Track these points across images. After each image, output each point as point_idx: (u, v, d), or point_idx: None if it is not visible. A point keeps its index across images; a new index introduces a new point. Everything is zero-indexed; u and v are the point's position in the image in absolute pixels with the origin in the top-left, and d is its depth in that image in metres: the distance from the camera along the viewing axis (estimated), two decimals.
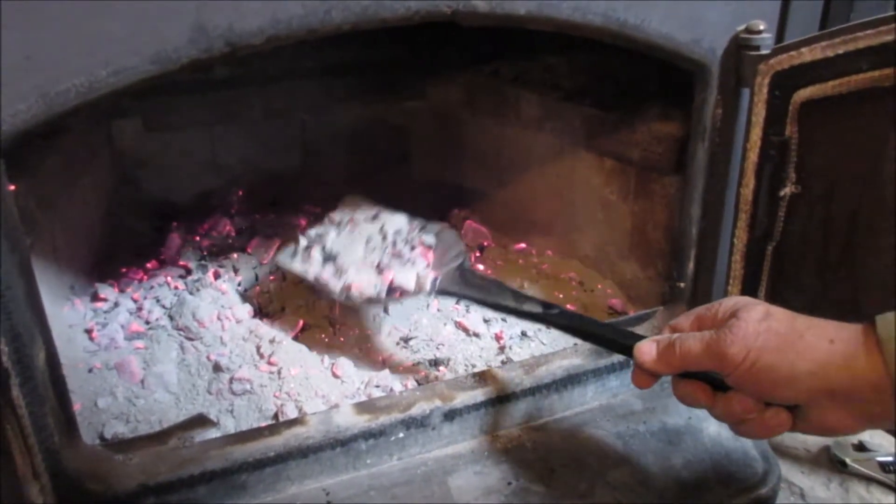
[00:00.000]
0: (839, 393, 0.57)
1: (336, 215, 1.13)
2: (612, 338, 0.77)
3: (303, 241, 1.09)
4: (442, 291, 1.00)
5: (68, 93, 0.64)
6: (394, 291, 1.00)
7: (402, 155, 1.64)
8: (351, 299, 1.01)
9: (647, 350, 0.68)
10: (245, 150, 1.55)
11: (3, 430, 0.68)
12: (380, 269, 1.02)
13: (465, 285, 0.98)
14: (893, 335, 0.55)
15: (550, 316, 0.85)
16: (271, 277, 1.25)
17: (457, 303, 1.20)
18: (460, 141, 1.55)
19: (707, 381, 0.66)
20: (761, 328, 0.60)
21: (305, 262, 1.07)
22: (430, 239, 1.06)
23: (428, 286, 0.99)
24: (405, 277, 1.00)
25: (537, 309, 0.87)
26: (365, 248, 1.05)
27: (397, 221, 1.09)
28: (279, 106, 1.52)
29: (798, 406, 0.61)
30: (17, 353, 0.68)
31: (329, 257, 1.06)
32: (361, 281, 1.01)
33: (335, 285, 1.02)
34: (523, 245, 1.46)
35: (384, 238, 1.06)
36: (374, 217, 1.11)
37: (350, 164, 1.59)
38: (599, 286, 1.31)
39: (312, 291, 1.18)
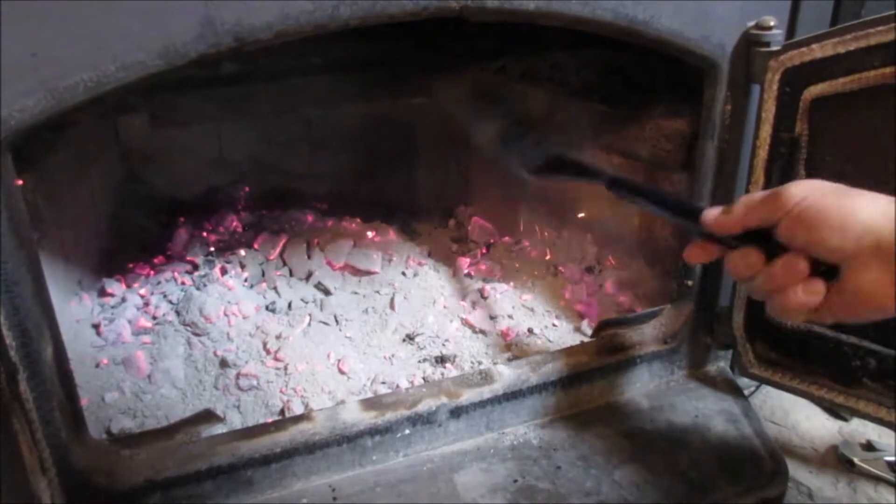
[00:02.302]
0: (886, 249, 0.57)
1: None
2: (674, 201, 0.74)
3: None
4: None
5: (76, 87, 0.64)
6: None
7: (409, 151, 1.63)
8: None
9: (712, 210, 0.68)
10: (252, 147, 1.55)
11: (11, 424, 0.69)
12: None
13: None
14: None
15: (614, 180, 0.78)
16: (277, 273, 1.25)
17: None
18: (467, 138, 1.55)
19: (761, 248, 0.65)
20: (823, 185, 0.62)
21: None
22: None
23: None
24: None
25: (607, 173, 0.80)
26: None
27: None
28: (286, 102, 1.52)
29: (837, 273, 0.60)
30: (25, 348, 0.69)
31: None
32: None
33: None
34: (529, 242, 1.45)
35: None
36: None
37: (356, 161, 1.59)
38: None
39: None
